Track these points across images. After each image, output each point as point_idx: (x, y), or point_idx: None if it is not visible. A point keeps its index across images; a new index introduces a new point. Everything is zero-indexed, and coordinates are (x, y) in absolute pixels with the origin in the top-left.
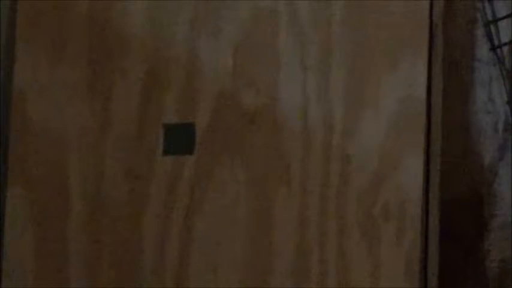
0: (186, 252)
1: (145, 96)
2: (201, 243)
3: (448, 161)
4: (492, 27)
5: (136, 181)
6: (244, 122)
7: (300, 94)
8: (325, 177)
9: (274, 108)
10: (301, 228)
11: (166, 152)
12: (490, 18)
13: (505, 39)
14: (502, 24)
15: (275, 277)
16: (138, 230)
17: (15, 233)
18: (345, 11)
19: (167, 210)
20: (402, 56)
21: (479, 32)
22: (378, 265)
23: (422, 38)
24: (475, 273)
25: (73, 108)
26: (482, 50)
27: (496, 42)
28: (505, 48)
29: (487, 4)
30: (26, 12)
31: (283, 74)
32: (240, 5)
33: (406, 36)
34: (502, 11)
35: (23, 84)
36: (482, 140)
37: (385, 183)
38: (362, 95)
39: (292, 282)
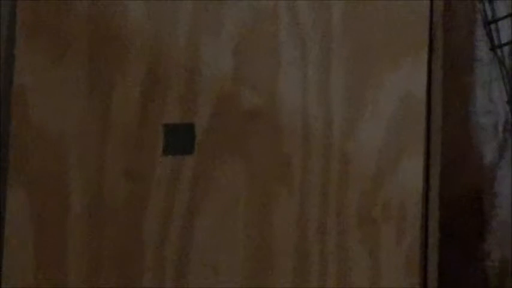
0: (186, 252)
1: (145, 96)
2: (201, 243)
3: (448, 161)
4: (492, 27)
5: (136, 181)
6: (244, 122)
7: (300, 94)
8: (325, 177)
9: (274, 108)
10: (301, 228)
11: (166, 152)
12: (490, 18)
13: (505, 39)
14: (502, 24)
15: (275, 277)
16: (138, 230)
17: (15, 233)
18: (345, 11)
19: (167, 210)
20: (402, 56)
21: (479, 32)
22: (378, 265)
23: (422, 38)
24: (475, 273)
25: (73, 108)
26: (482, 50)
27: (496, 42)
28: (505, 48)
29: (487, 4)
30: (26, 12)
31: (283, 74)
32: (240, 5)
33: (406, 36)
34: (502, 11)
35: (23, 84)
36: (482, 140)
37: (385, 183)
38: (362, 94)
39: (292, 282)
